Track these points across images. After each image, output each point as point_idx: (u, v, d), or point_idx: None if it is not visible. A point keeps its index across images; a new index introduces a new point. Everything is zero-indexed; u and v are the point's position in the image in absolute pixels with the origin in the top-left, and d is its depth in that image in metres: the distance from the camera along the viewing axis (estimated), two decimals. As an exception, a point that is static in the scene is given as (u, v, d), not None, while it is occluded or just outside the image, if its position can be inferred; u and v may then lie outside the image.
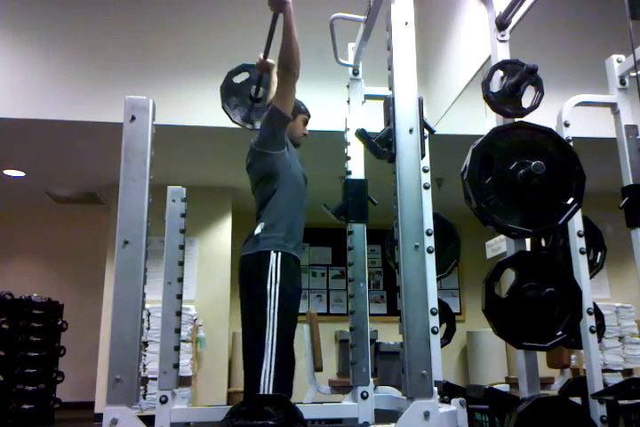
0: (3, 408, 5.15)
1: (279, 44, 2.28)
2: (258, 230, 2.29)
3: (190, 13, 4.76)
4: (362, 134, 1.77)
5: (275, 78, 2.67)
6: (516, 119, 1.93)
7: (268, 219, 2.32)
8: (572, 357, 4.46)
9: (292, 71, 2.26)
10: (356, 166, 2.64)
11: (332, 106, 3.81)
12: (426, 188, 2.55)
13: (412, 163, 1.70)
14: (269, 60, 2.70)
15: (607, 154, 2.80)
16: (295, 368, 2.28)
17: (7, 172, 5.66)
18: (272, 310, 2.15)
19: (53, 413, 5.60)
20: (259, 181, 2.42)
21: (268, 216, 2.33)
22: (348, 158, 2.67)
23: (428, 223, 2.53)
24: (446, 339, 3.11)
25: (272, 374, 2.06)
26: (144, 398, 5.01)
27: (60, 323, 5.79)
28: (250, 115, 2.87)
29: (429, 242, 2.48)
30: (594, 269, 2.53)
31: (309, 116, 2.63)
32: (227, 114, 2.82)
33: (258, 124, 2.85)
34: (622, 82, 2.53)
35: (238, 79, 2.91)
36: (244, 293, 2.31)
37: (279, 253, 2.24)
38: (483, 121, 3.27)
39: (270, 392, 2.01)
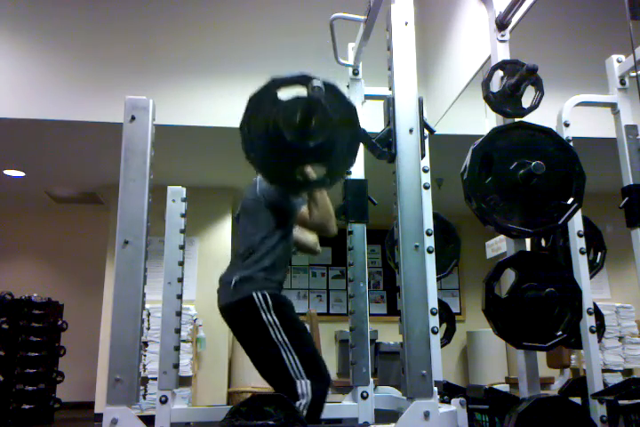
0: (3, 408, 5.15)
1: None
2: (233, 283, 2.19)
3: (190, 13, 4.76)
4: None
5: None
6: (516, 119, 1.93)
7: (248, 268, 2.24)
8: (572, 357, 4.46)
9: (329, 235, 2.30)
10: (356, 166, 2.63)
11: (332, 106, 3.81)
12: (426, 188, 2.55)
13: (412, 163, 1.69)
14: None
15: (607, 154, 2.80)
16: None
17: (7, 172, 5.66)
18: (279, 337, 2.11)
19: (53, 413, 5.60)
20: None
21: (247, 265, 2.25)
22: (348, 158, 2.66)
23: (428, 223, 2.53)
24: (446, 339, 3.11)
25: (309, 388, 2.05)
26: (144, 398, 5.01)
27: (60, 323, 5.79)
28: None
29: (429, 242, 2.48)
30: (594, 269, 2.53)
31: None
32: None
33: None
34: (622, 82, 2.53)
35: None
36: (244, 338, 2.23)
37: (259, 293, 2.16)
38: (483, 121, 3.27)
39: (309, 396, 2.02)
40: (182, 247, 2.51)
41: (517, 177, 1.77)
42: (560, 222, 1.80)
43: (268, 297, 2.15)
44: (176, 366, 2.35)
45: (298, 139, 1.57)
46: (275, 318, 2.12)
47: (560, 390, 2.52)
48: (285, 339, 2.10)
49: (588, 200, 1.94)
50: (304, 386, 2.05)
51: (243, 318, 2.18)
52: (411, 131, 1.71)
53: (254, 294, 2.14)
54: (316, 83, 1.47)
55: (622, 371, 5.39)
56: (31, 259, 7.39)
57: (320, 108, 1.53)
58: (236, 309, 2.19)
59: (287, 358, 2.09)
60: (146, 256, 1.69)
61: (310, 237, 2.59)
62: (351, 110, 1.61)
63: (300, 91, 1.52)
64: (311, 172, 1.80)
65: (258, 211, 2.31)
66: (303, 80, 1.52)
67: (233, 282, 2.18)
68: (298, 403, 2.01)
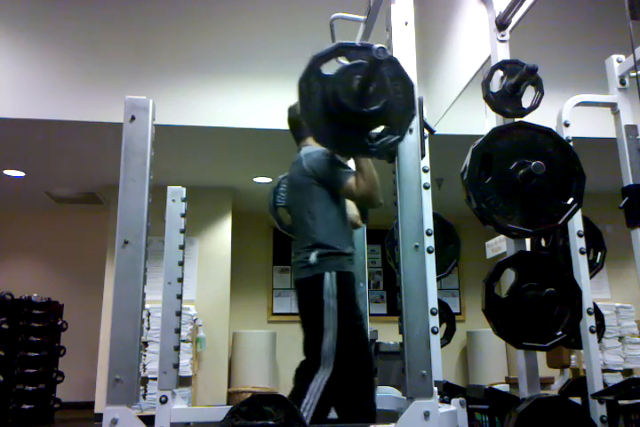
0: (3, 408, 5.15)
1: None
2: (312, 259, 2.21)
3: (190, 13, 4.76)
4: (362, 134, 1.76)
5: None
6: (516, 119, 1.93)
7: (321, 242, 2.25)
8: (572, 357, 4.46)
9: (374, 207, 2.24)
10: (356, 166, 2.63)
11: (332, 106, 3.81)
12: (426, 188, 2.55)
13: (412, 163, 1.70)
14: None
15: (607, 154, 2.80)
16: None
17: (7, 172, 5.66)
18: (330, 322, 2.15)
19: (53, 413, 5.60)
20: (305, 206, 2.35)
21: (319, 240, 2.26)
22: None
23: (428, 223, 2.53)
24: (446, 339, 3.10)
25: (321, 388, 2.10)
26: (144, 398, 5.01)
27: (59, 323, 5.79)
28: None
29: (429, 242, 2.47)
30: (594, 269, 2.53)
31: None
32: None
33: None
34: (622, 82, 2.52)
35: None
36: (304, 314, 2.30)
37: (333, 273, 2.20)
38: (483, 121, 3.27)
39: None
40: (182, 247, 2.51)
41: (517, 177, 1.77)
42: (560, 222, 1.80)
43: (334, 277, 2.21)
44: (176, 366, 2.35)
45: (358, 105, 1.62)
46: (335, 302, 2.17)
47: (560, 390, 2.52)
48: (333, 325, 2.15)
49: (588, 200, 1.94)
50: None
51: (309, 291, 2.24)
52: (411, 131, 1.71)
53: (327, 273, 2.20)
54: (378, 46, 1.55)
55: (622, 371, 5.39)
56: (31, 259, 7.39)
57: (380, 71, 1.62)
58: (310, 282, 2.23)
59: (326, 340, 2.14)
60: (146, 256, 1.69)
61: (353, 211, 2.57)
62: (404, 76, 1.69)
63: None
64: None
65: (310, 185, 2.31)
66: (366, 47, 1.61)
67: (306, 262, 2.23)
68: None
